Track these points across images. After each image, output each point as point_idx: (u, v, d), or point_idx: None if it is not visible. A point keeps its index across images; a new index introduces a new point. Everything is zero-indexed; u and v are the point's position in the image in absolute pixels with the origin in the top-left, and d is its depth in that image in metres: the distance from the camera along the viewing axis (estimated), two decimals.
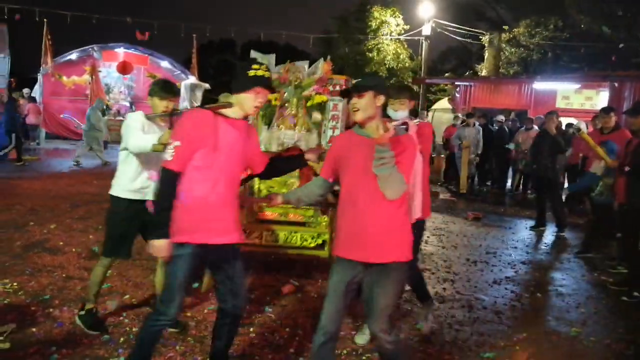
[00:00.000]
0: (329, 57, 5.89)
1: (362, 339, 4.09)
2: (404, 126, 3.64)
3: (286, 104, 5.52)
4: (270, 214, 5.27)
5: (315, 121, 5.53)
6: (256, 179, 4.86)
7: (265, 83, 3.04)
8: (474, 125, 12.80)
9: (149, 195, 3.92)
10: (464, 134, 12.62)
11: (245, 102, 3.03)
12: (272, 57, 5.59)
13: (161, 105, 3.88)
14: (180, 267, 2.98)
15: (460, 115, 15.14)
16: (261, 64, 3.07)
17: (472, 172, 13.07)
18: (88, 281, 4.96)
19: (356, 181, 2.95)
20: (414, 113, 3.23)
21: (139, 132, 3.77)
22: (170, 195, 2.95)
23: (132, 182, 3.91)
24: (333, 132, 5.60)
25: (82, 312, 4.06)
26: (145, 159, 3.89)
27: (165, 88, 3.93)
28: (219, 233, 3.02)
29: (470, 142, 12.45)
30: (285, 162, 3.60)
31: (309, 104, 5.58)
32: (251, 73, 3.01)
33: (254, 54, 5.43)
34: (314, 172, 4.34)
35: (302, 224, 5.31)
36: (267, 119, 5.55)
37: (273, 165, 3.42)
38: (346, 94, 3.11)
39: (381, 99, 2.97)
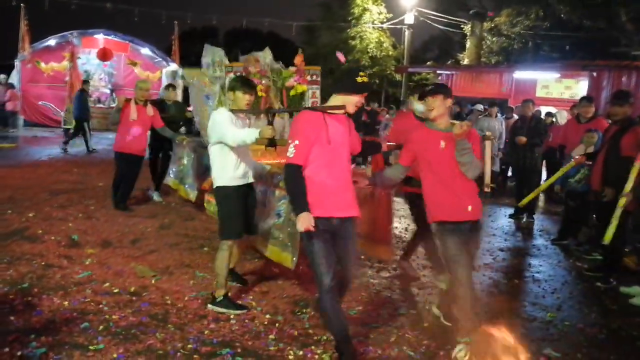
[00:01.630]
0: (300, 50, 6.46)
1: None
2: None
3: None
4: None
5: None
6: None
7: (369, 89, 3.86)
8: (496, 116, 11.12)
9: (251, 179, 4.54)
10: (486, 125, 10.74)
11: (351, 102, 3.52)
12: (221, 51, 6.16)
13: (244, 99, 4.34)
14: (317, 240, 3.37)
15: None
16: (364, 71, 3.59)
17: (496, 169, 10.94)
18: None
19: (439, 165, 3.79)
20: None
21: (234, 127, 4.18)
22: (298, 184, 3.39)
23: (236, 170, 4.37)
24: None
25: (220, 299, 4.33)
26: (239, 149, 4.31)
27: (248, 83, 4.45)
28: (341, 208, 3.47)
29: (493, 133, 10.20)
30: (370, 145, 4.30)
31: (291, 93, 6.16)
32: (359, 79, 3.75)
33: (207, 47, 6.11)
34: (383, 158, 5.09)
35: None
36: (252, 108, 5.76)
37: (364, 147, 3.99)
38: (422, 96, 3.94)
39: (449, 101, 3.83)
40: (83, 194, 8.39)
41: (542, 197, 10.31)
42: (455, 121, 3.84)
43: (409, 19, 22.93)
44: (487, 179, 10.29)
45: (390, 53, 26.51)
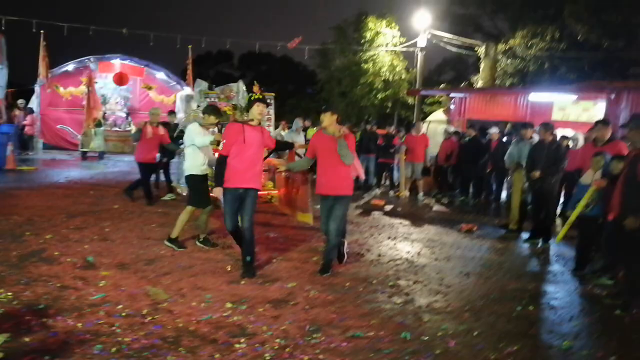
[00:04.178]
0: (255, 82, 8.02)
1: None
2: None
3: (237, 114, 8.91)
4: None
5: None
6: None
7: (261, 100, 5.85)
8: (531, 137, 9.62)
9: (209, 169, 7.19)
10: (520, 151, 9.36)
11: (252, 114, 5.83)
12: (205, 83, 9.13)
13: (212, 120, 7.03)
14: (228, 201, 5.82)
15: (453, 128, 14.99)
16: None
17: (528, 199, 9.30)
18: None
19: (327, 156, 5.97)
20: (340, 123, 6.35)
21: (201, 135, 6.92)
22: (221, 168, 5.80)
23: (202, 165, 7.06)
24: (268, 128, 9.47)
25: (170, 239, 6.90)
26: (204, 150, 6.98)
27: (217, 112, 7.15)
28: (245, 182, 5.74)
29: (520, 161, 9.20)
30: (284, 144, 7.14)
31: None
32: (253, 97, 5.91)
33: (198, 80, 9.48)
34: (296, 153, 7.27)
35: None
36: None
37: (278, 145, 6.49)
38: (319, 112, 6.15)
39: (335, 116, 5.96)
40: (99, 216, 8.47)
41: (558, 222, 10.20)
42: (343, 127, 6.03)
43: (422, 41, 22.99)
44: (514, 215, 9.72)
45: (404, 76, 26.50)
